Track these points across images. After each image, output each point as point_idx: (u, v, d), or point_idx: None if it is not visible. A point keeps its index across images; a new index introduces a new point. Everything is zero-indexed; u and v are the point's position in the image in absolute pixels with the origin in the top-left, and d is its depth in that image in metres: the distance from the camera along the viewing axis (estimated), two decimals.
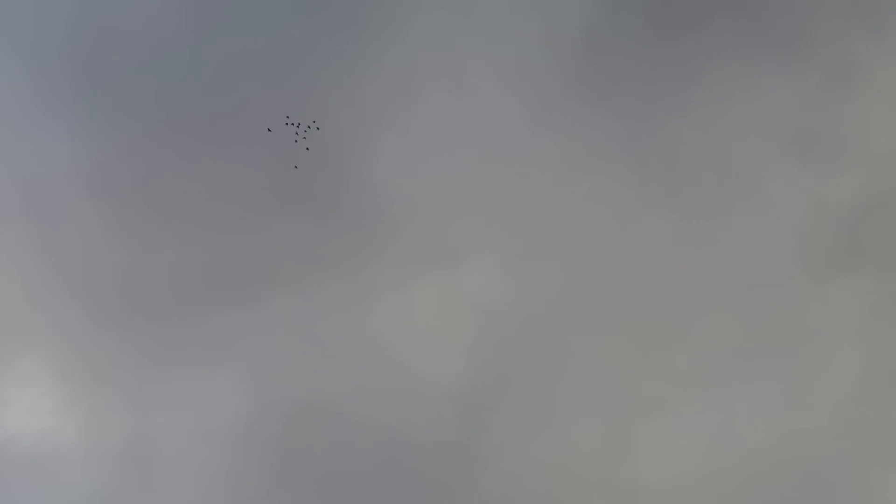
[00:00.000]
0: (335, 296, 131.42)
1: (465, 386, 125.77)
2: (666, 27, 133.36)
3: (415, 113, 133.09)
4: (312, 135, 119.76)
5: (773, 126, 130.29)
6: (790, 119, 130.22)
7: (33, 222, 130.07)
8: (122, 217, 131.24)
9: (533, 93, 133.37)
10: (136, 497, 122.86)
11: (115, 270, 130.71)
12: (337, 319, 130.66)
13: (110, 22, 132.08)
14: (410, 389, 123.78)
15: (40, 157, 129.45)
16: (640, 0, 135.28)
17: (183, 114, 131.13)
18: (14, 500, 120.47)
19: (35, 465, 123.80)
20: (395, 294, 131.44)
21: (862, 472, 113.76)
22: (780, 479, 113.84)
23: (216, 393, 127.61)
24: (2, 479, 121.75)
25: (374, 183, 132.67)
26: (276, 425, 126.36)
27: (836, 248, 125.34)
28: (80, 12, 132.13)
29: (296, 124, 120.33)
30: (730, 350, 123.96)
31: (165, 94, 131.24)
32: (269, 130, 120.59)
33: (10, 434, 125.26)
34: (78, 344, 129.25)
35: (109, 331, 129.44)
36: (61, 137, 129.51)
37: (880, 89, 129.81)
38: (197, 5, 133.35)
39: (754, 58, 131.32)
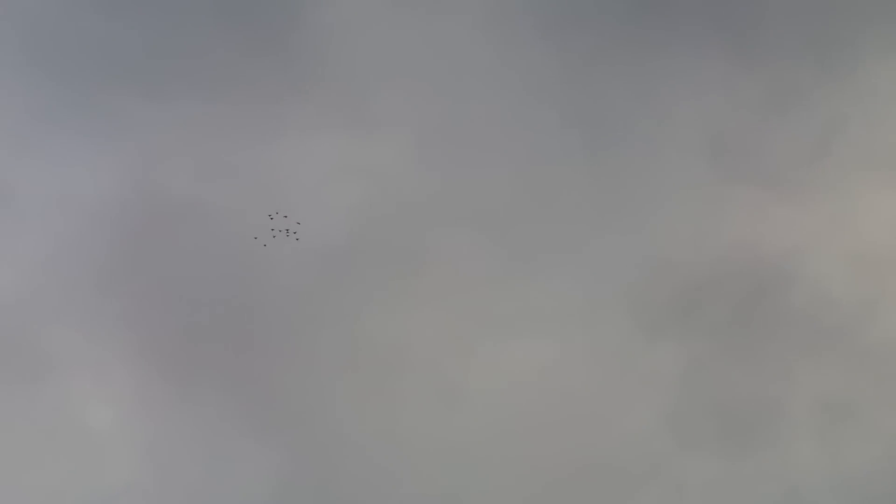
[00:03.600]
0: (243, 118, 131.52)
1: (333, 245, 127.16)
2: None
3: None
4: None
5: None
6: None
7: None
8: None
9: None
10: None
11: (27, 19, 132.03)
12: (237, 141, 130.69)
13: None
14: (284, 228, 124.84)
15: None
16: None
17: None
18: None
19: None
20: (301, 137, 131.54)
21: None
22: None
23: (91, 168, 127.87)
24: None
25: (321, 26, 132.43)
26: (142, 218, 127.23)
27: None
28: None
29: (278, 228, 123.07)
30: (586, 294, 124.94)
31: None
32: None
33: None
34: None
35: (3, 72, 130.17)
36: None
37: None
38: None
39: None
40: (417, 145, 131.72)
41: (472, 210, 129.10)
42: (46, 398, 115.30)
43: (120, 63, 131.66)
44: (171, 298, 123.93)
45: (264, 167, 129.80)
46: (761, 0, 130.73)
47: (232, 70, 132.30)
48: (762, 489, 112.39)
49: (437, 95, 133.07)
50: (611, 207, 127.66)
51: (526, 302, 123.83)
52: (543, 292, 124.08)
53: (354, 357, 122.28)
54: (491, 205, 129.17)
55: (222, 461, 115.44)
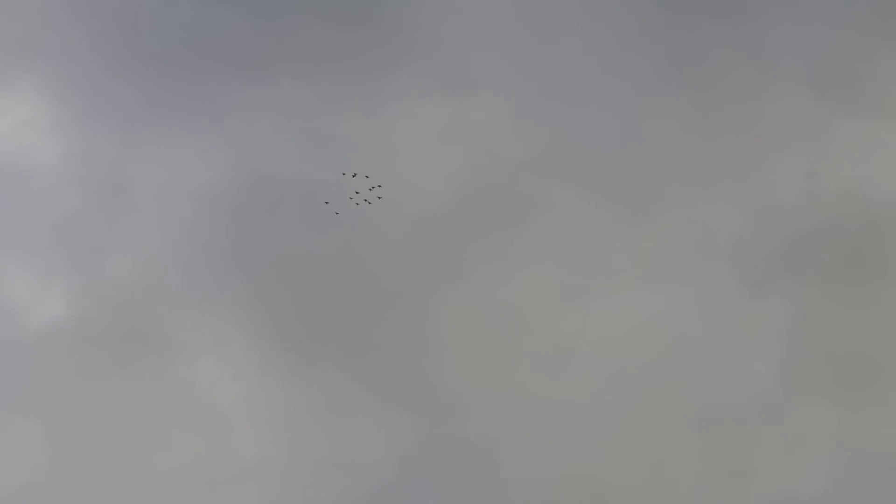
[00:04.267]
0: (343, 93, 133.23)
1: (440, 210, 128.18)
2: None
3: None
4: None
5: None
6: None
7: None
8: None
9: None
10: (102, 229, 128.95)
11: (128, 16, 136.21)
12: (338, 116, 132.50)
13: None
14: (389, 199, 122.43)
15: None
16: None
17: None
18: None
19: (12, 177, 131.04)
20: (400, 106, 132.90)
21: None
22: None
23: (201, 156, 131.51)
24: None
25: None
26: (253, 200, 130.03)
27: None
28: None
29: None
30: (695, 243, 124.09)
31: None
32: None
33: None
34: (80, 72, 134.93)
35: (114, 69, 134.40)
36: None
37: None
38: None
39: None
40: (518, 105, 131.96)
41: (576, 166, 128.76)
42: (174, 380, 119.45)
43: (219, 50, 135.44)
44: (287, 275, 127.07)
45: (368, 139, 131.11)
46: None
47: (328, 46, 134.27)
48: (885, 434, 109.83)
49: (533, 54, 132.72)
50: (715, 155, 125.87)
51: (635, 255, 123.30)
52: (652, 245, 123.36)
53: (468, 318, 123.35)
54: (595, 159, 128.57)
55: (346, 431, 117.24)
